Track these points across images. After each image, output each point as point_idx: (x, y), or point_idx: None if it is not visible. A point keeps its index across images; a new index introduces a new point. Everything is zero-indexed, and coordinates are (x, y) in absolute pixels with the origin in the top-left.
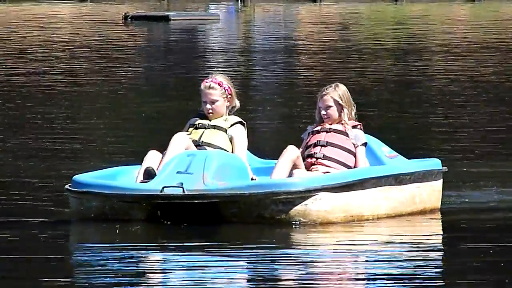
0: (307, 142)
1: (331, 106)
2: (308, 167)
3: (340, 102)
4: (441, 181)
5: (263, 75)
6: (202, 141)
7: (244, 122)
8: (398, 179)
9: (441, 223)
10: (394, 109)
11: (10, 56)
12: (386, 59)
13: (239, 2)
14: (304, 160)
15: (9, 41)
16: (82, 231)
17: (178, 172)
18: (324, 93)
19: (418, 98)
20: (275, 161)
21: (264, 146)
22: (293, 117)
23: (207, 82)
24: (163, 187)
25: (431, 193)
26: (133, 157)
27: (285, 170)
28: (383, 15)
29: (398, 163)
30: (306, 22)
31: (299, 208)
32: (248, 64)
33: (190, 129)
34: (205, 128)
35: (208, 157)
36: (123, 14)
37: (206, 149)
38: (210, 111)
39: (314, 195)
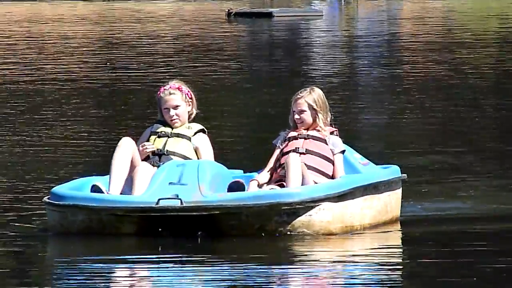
0: (283, 149)
1: (305, 111)
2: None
3: (315, 106)
4: (401, 189)
5: (365, 71)
6: (167, 150)
7: (205, 129)
8: (376, 188)
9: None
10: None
11: (117, 54)
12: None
13: None
14: (279, 167)
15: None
16: (62, 245)
17: (170, 183)
18: (298, 96)
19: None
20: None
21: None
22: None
23: (165, 89)
24: (159, 199)
25: (396, 201)
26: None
27: (299, 181)
28: (490, 10)
29: (371, 171)
30: (409, 18)
31: (303, 219)
32: (350, 61)
33: (153, 137)
34: (168, 137)
35: (201, 167)
36: (227, 11)
37: (171, 158)
38: (175, 117)
39: (318, 205)
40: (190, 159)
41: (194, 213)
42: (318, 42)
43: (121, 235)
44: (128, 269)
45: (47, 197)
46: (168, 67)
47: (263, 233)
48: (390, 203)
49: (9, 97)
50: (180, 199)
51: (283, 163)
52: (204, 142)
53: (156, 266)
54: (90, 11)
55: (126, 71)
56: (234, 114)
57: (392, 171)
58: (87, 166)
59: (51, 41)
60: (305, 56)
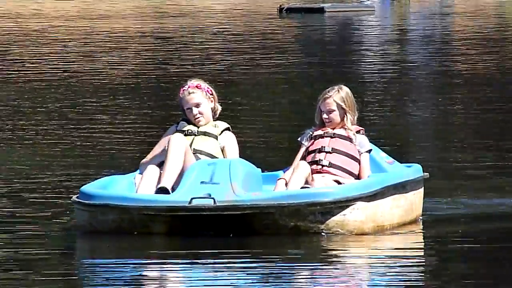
0: (309, 147)
1: (334, 110)
2: (312, 173)
3: (343, 106)
4: (423, 188)
5: (417, 66)
6: (194, 149)
7: (230, 127)
8: (404, 187)
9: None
10: None
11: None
12: None
13: None
14: None
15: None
16: (92, 245)
17: (202, 182)
18: (326, 96)
19: None
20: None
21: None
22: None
23: (184, 89)
24: (192, 198)
25: (420, 200)
26: None
27: (299, 187)
28: None
29: (397, 169)
30: (461, 13)
31: (337, 218)
32: (402, 56)
33: None
34: (195, 135)
35: (232, 166)
36: (279, 6)
37: (198, 157)
38: (198, 115)
39: (352, 204)
40: (217, 158)
41: (228, 213)
42: (369, 37)
43: (151, 235)
44: (160, 270)
45: (76, 196)
46: (222, 62)
47: (297, 232)
48: (415, 202)
49: (59, 90)
50: (213, 198)
51: (309, 162)
52: (231, 141)
53: (188, 265)
54: (144, 5)
55: (179, 66)
56: (286, 109)
57: (415, 170)
58: (128, 161)
59: (104, 37)
60: (356, 51)
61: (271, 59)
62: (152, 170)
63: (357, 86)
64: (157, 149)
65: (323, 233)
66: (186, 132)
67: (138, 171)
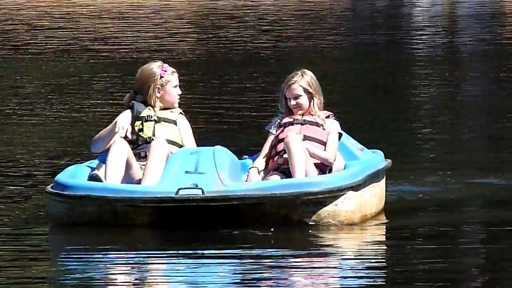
0: (278, 135)
1: (300, 95)
2: (284, 163)
3: (310, 90)
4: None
5: (467, 44)
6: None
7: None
8: (378, 175)
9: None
10: None
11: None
12: None
13: None
14: (276, 155)
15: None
16: (67, 237)
17: (187, 172)
18: (291, 81)
19: None
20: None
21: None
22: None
23: (165, 70)
24: (179, 189)
25: (384, 188)
26: None
27: (303, 164)
28: None
29: (369, 157)
30: None
31: (329, 208)
32: (452, 35)
33: (138, 122)
34: (155, 121)
35: (217, 154)
36: None
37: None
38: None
39: (343, 194)
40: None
41: (217, 203)
42: (420, 14)
43: (132, 227)
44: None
45: (50, 186)
46: (272, 39)
47: (288, 223)
48: (382, 190)
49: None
50: (201, 188)
51: (280, 151)
52: (186, 126)
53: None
54: None
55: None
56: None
57: (381, 157)
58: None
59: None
60: (406, 28)
61: (320, 34)
62: (116, 157)
63: None
64: (109, 128)
65: (311, 223)
66: (146, 118)
67: (96, 158)
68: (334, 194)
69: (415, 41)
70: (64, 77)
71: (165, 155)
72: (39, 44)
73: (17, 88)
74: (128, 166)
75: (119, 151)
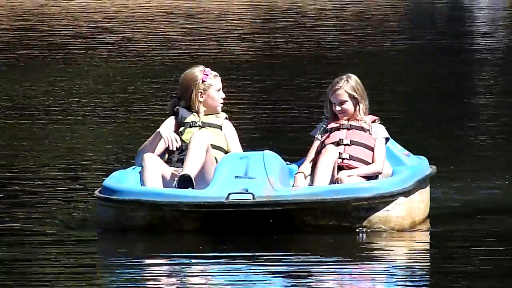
0: (324, 141)
1: (346, 101)
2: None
3: (355, 95)
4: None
5: None
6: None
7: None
8: (425, 181)
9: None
10: None
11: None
12: None
13: None
14: None
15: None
16: (118, 243)
17: (236, 177)
18: (336, 87)
19: None
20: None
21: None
22: None
23: (207, 74)
24: (229, 194)
25: (429, 195)
26: None
27: (329, 174)
28: None
29: (415, 162)
30: None
31: (380, 214)
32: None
33: (182, 128)
34: (200, 127)
35: (266, 159)
36: None
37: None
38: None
39: (394, 199)
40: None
41: (268, 208)
42: (480, 16)
43: (181, 232)
44: (195, 268)
45: (99, 190)
46: (330, 42)
47: (338, 229)
48: (429, 196)
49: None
50: (251, 193)
51: None
52: (232, 131)
53: (225, 263)
54: None
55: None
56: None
57: (426, 163)
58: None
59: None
60: (467, 31)
61: (375, 36)
62: (152, 162)
63: None
64: (154, 138)
65: (362, 230)
66: (191, 124)
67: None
68: (385, 200)
69: (476, 46)
70: (127, 82)
71: (205, 145)
72: (109, 46)
73: (73, 89)
74: (164, 178)
75: (152, 168)
